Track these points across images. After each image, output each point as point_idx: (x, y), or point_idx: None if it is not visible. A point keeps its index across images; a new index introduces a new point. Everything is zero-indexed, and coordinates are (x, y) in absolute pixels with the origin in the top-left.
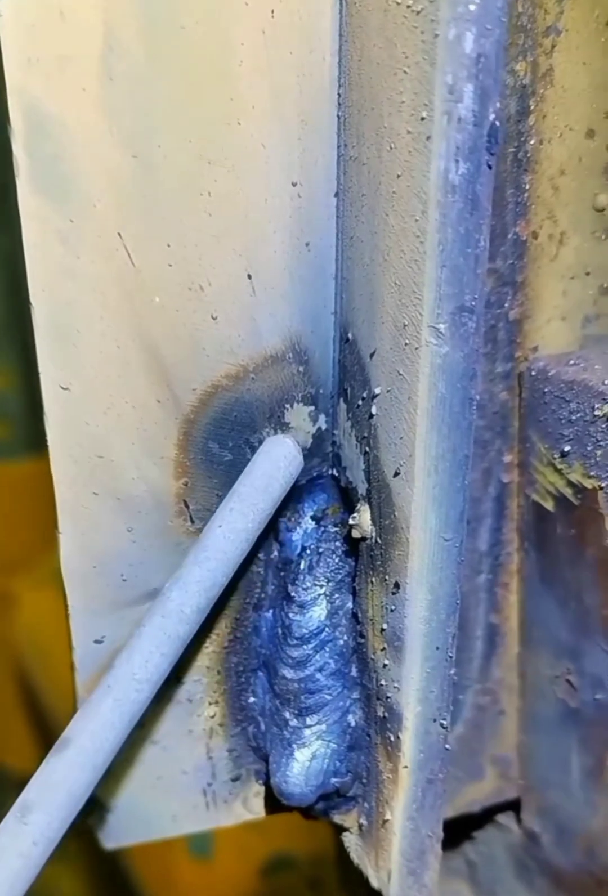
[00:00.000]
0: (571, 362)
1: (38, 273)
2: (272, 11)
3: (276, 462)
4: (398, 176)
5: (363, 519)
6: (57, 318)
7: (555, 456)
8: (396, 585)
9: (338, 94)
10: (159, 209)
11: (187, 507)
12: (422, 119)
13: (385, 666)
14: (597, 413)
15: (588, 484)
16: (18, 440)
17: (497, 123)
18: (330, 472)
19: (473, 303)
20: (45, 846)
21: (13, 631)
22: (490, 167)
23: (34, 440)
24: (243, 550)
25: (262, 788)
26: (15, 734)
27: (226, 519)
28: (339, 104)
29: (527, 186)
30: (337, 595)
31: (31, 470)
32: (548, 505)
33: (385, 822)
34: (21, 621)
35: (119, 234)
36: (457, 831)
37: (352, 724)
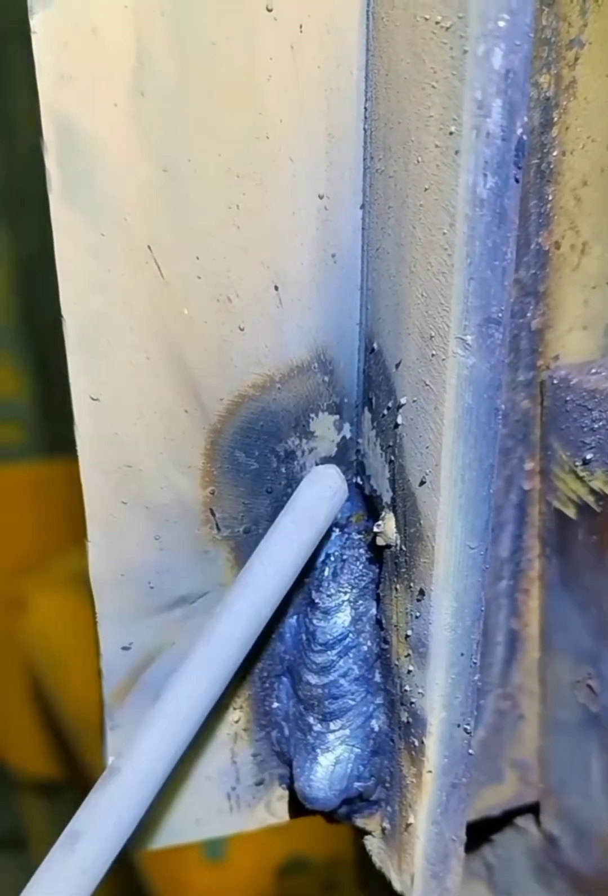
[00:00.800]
0: (593, 371)
1: (70, 286)
2: (300, 26)
3: (321, 493)
4: (426, 189)
5: (388, 527)
6: (88, 330)
7: (577, 463)
8: (421, 592)
9: (365, 108)
10: (189, 222)
11: (214, 515)
12: (451, 133)
13: (409, 672)
14: None
15: None
16: (31, 443)
17: (524, 137)
18: (354, 480)
19: (500, 314)
20: (94, 875)
21: (24, 633)
22: (517, 181)
23: (46, 443)
24: (287, 583)
25: (286, 792)
26: (26, 737)
27: (271, 554)
28: (366, 117)
29: (550, 197)
30: (361, 601)
31: (43, 473)
32: (570, 512)
33: (408, 825)
34: (32, 623)
35: (149, 247)
36: (477, 834)
37: (376, 729)
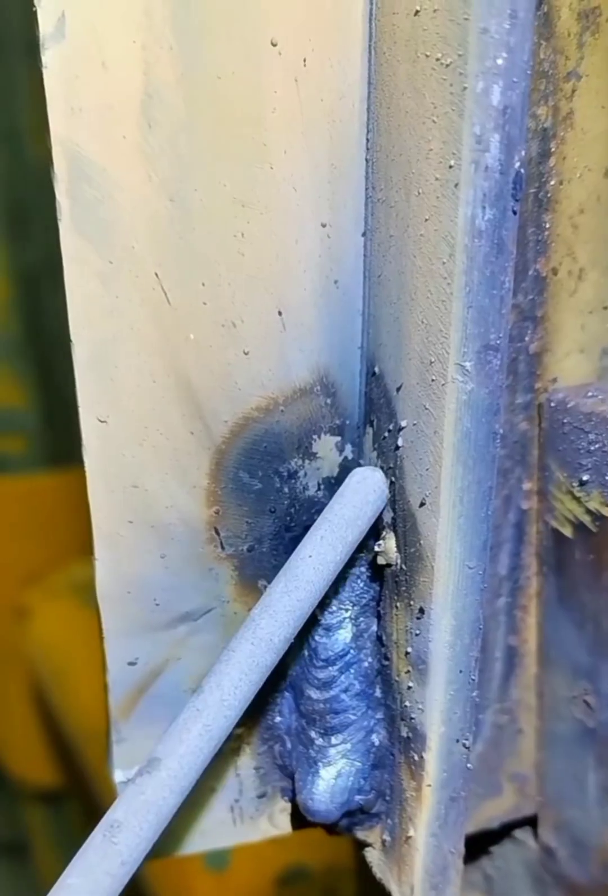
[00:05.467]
0: (590, 394)
1: (79, 312)
2: (304, 60)
3: (365, 495)
4: (426, 220)
5: (388, 546)
6: (96, 355)
7: (574, 484)
8: (421, 611)
9: (367, 139)
10: (195, 250)
11: (218, 534)
12: (450, 167)
13: (409, 688)
14: None
15: (606, 512)
16: (34, 454)
17: (522, 171)
18: None
19: (498, 341)
20: (132, 866)
21: (28, 642)
22: (515, 212)
23: (49, 454)
24: (328, 580)
25: (288, 805)
26: (29, 746)
27: (316, 548)
28: (368, 148)
29: (548, 225)
30: (362, 618)
31: (47, 483)
32: (567, 531)
33: (408, 838)
34: (36, 633)
35: (156, 275)
36: (476, 846)
37: (376, 743)
